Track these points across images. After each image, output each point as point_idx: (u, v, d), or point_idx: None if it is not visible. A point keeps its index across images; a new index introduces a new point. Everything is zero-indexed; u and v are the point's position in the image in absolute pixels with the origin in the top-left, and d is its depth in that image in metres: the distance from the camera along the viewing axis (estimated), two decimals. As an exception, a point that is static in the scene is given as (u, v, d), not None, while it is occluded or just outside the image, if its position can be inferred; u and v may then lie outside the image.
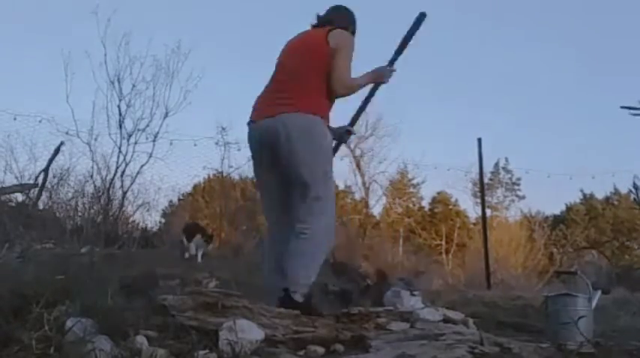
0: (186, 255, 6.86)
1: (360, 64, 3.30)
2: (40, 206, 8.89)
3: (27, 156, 9.36)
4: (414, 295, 3.45)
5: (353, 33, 3.37)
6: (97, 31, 9.14)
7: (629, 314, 4.28)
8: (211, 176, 13.33)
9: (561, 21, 23.62)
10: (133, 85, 9.33)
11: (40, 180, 8.92)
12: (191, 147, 10.70)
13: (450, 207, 19.88)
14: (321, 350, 2.57)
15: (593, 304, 3.26)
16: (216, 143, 10.60)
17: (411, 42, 3.47)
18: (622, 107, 5.45)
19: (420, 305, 3.36)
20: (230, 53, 20.64)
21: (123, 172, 9.28)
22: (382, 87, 3.44)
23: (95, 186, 9.26)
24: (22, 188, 8.70)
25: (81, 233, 7.69)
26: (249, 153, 3.40)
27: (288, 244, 3.09)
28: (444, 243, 18.03)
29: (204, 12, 20.17)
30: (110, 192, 9.17)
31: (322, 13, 3.45)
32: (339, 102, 3.29)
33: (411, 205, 19.73)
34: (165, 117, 9.51)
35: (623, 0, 21.55)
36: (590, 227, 19.60)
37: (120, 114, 9.25)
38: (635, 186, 5.12)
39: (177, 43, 9.74)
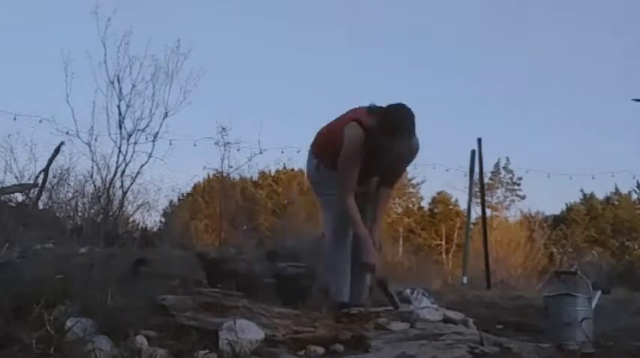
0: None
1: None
2: (40, 206, 8.87)
3: (27, 156, 9.36)
4: (425, 295, 3.47)
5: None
6: (97, 30, 9.12)
7: (629, 314, 4.28)
8: (211, 176, 13.35)
9: (561, 20, 23.63)
10: (133, 85, 9.31)
11: (40, 180, 8.91)
12: (191, 147, 10.73)
13: (450, 207, 19.86)
14: (321, 350, 2.57)
15: (593, 304, 3.26)
16: (216, 143, 10.60)
17: None
18: (634, 99, 5.44)
19: (434, 306, 3.37)
20: (230, 53, 20.65)
21: (123, 172, 9.28)
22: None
23: (95, 186, 9.26)
24: (22, 188, 8.69)
25: (81, 233, 7.68)
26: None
27: None
28: (444, 243, 18.02)
29: (203, 12, 20.19)
30: (110, 192, 9.17)
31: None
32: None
33: (410, 205, 19.73)
34: (165, 117, 9.49)
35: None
36: (590, 227, 19.60)
37: (120, 114, 9.24)
38: (638, 186, 5.12)
39: (176, 43, 9.70)
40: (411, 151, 3.21)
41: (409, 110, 3.09)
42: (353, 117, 3.19)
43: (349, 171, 3.16)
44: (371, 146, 3.06)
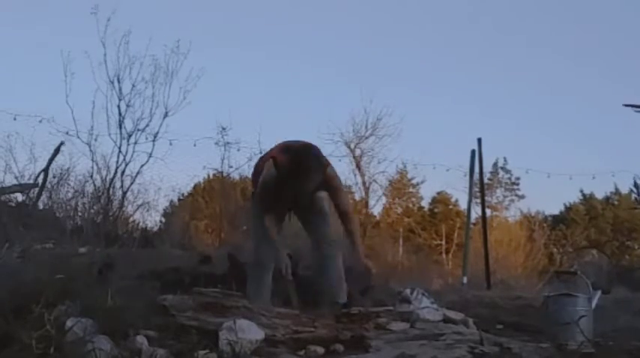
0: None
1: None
2: (40, 206, 8.88)
3: (27, 156, 9.35)
4: (425, 295, 3.47)
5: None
6: (96, 30, 9.11)
7: (629, 314, 4.27)
8: (211, 176, 13.33)
9: (562, 19, 23.61)
10: (133, 85, 9.30)
11: (40, 180, 8.92)
12: (191, 147, 10.73)
13: (450, 207, 19.86)
14: (321, 350, 2.57)
15: (593, 304, 3.26)
16: (216, 143, 10.61)
17: None
18: (625, 105, 5.41)
19: (434, 306, 3.37)
20: (229, 53, 20.62)
21: (123, 172, 9.28)
22: None
23: (95, 186, 9.26)
24: (22, 188, 8.69)
25: (81, 233, 7.68)
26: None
27: None
28: (444, 243, 18.02)
29: (203, 12, 20.17)
30: (110, 192, 9.17)
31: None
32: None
33: (410, 205, 19.72)
34: (165, 117, 9.49)
35: None
36: (590, 227, 19.57)
37: (120, 114, 9.24)
38: (635, 185, 5.10)
39: (176, 43, 9.69)
40: (327, 176, 3.48)
41: (314, 154, 3.44)
42: (272, 154, 3.56)
43: (260, 201, 3.58)
44: (281, 182, 3.42)
